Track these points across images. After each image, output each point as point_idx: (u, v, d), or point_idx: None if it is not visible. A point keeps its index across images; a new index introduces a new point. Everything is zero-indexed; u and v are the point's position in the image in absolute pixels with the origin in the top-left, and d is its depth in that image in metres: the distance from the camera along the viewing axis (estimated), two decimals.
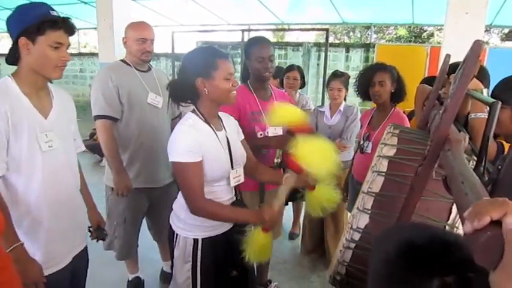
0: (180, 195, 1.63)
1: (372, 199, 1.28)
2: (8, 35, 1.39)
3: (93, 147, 5.69)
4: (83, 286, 1.75)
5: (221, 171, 1.55)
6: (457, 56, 1.57)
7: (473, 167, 1.08)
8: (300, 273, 2.99)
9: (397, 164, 1.30)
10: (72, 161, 1.59)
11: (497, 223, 0.47)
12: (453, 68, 1.62)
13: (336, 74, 2.98)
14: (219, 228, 1.60)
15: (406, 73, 2.54)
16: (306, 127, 1.69)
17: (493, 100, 1.09)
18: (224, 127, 1.63)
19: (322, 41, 8.55)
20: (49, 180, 1.44)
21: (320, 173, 1.44)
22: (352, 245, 1.29)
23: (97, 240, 1.80)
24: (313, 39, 13.24)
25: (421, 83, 2.34)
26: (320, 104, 4.57)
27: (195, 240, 1.57)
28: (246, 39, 5.24)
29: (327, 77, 3.17)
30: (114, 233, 2.40)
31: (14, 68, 1.43)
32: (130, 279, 2.62)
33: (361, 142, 2.50)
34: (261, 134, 2.10)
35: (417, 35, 13.58)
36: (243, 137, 1.75)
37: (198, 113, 1.55)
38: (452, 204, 1.19)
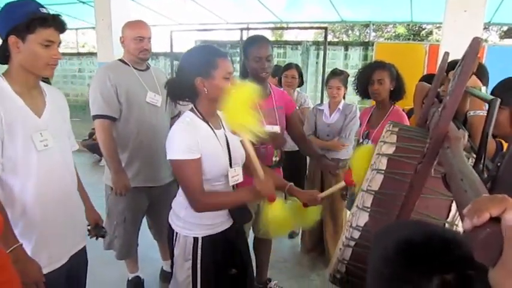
0: (179, 194, 1.63)
1: (371, 197, 1.28)
2: None
3: (92, 146, 5.70)
4: (83, 285, 1.74)
5: (219, 169, 1.54)
6: (456, 54, 1.56)
7: (472, 164, 1.08)
8: (300, 271, 2.99)
9: (396, 162, 1.30)
10: (68, 159, 1.57)
11: (496, 220, 0.47)
12: (452, 65, 1.62)
13: (335, 73, 2.98)
14: (218, 226, 1.60)
15: (405, 71, 2.54)
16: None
17: (492, 97, 1.09)
18: (223, 126, 1.62)
19: (321, 39, 8.58)
20: (45, 180, 1.42)
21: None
22: (352, 243, 1.28)
23: (96, 238, 1.80)
24: (312, 38, 13.25)
25: (419, 80, 2.34)
26: (319, 102, 4.57)
27: (195, 239, 1.57)
28: (244, 38, 5.23)
29: (326, 76, 3.17)
30: (114, 232, 2.40)
31: (5, 67, 1.41)
32: (130, 278, 2.62)
33: (361, 140, 2.50)
34: None
35: (416, 33, 13.57)
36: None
37: (197, 112, 1.54)
38: (452, 202, 1.19)
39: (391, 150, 1.33)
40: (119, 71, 2.27)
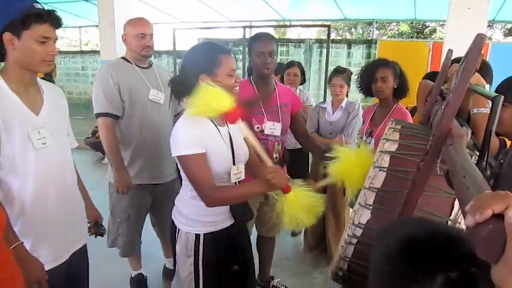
0: (182, 191, 1.64)
1: (373, 194, 1.28)
2: None
3: (95, 144, 5.71)
4: (86, 283, 1.75)
5: (222, 166, 1.54)
6: (460, 52, 1.56)
7: (475, 162, 1.07)
8: (303, 269, 3.00)
9: (399, 160, 1.29)
10: (67, 157, 1.56)
11: (499, 216, 0.47)
12: (455, 62, 1.62)
13: (338, 70, 2.98)
14: (220, 223, 1.60)
15: (408, 69, 2.53)
16: (235, 113, 1.45)
17: (496, 94, 1.08)
18: (227, 123, 1.62)
19: (324, 37, 8.55)
20: (44, 178, 1.41)
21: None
22: (354, 241, 1.28)
23: (95, 236, 1.79)
24: (315, 36, 13.20)
25: (423, 78, 2.33)
26: (322, 100, 4.57)
27: (197, 236, 1.57)
28: (247, 36, 5.22)
29: (329, 74, 3.17)
30: (117, 230, 2.41)
31: (0, 65, 1.39)
32: (133, 275, 2.63)
33: (364, 138, 2.50)
34: (257, 127, 2.09)
35: (419, 31, 13.50)
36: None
37: None
38: (455, 200, 1.19)
39: (393, 147, 1.33)
40: (121, 68, 2.27)
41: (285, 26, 10.99)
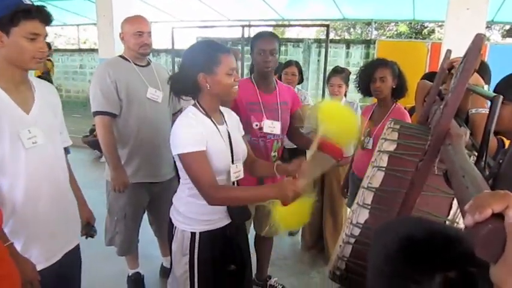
0: (180, 189, 1.63)
1: (371, 194, 1.28)
2: None
3: (93, 143, 5.70)
4: (78, 282, 1.72)
5: (222, 164, 1.53)
6: (458, 52, 1.56)
7: (474, 162, 1.07)
8: (300, 269, 2.99)
9: (397, 159, 1.29)
10: (60, 155, 1.53)
11: (498, 216, 0.46)
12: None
13: (336, 70, 2.98)
14: (217, 222, 1.60)
15: (406, 69, 2.53)
16: (338, 150, 1.51)
17: (494, 94, 1.08)
18: (225, 121, 1.62)
19: (323, 37, 8.55)
20: (35, 177, 1.38)
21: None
22: (352, 240, 1.28)
23: (86, 237, 1.76)
24: (314, 36, 13.22)
25: (421, 78, 2.33)
26: (320, 100, 4.57)
27: (193, 234, 1.57)
28: (246, 35, 5.22)
29: (328, 73, 3.16)
30: (115, 228, 2.41)
31: None
32: (130, 274, 2.62)
33: (362, 138, 2.50)
34: (256, 125, 2.09)
35: (418, 31, 13.53)
36: (243, 133, 1.75)
37: (199, 107, 1.54)
38: (453, 200, 1.19)
39: (392, 147, 1.33)
40: (119, 67, 2.27)
41: (284, 26, 11.00)
